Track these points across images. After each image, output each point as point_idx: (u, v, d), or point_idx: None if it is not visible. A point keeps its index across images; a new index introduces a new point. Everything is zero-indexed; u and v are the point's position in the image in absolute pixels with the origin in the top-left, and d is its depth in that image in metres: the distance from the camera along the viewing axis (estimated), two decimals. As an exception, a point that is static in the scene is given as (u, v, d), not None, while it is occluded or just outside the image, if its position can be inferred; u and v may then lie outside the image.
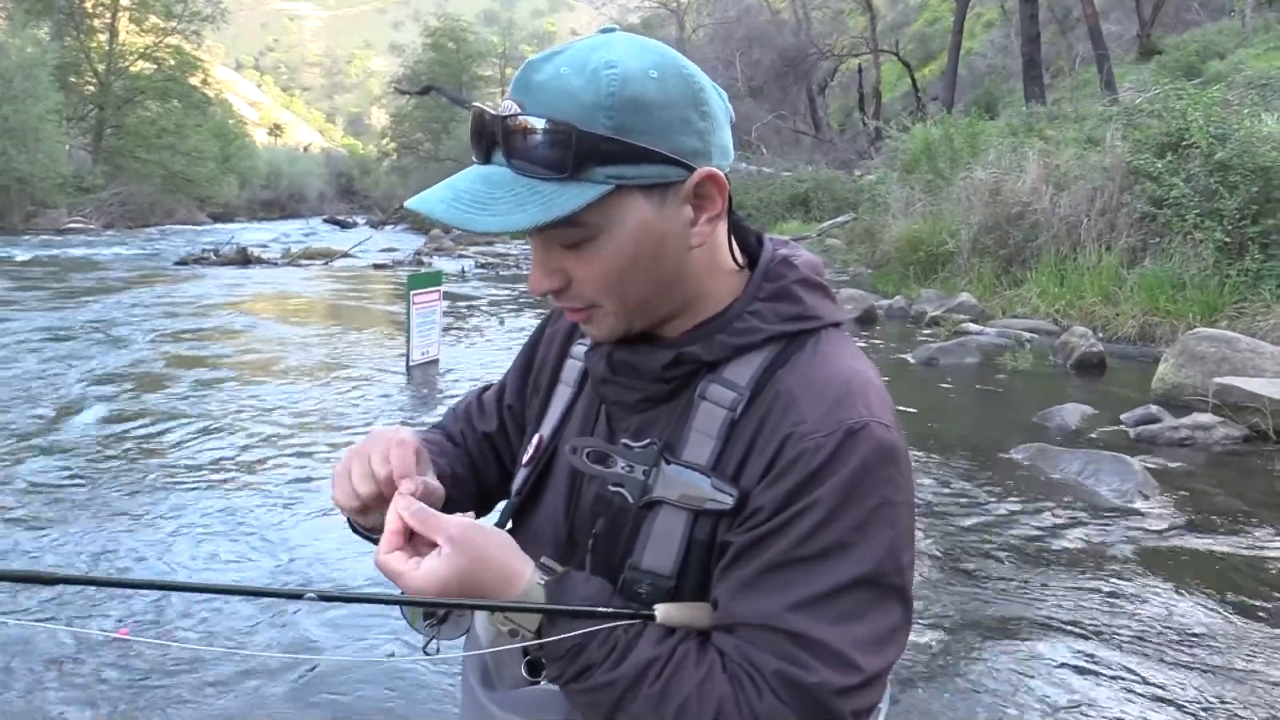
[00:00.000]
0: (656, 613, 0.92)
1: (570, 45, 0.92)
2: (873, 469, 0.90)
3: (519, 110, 0.89)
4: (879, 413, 0.93)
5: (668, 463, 0.96)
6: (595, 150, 0.87)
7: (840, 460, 0.89)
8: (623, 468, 0.98)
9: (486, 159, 0.92)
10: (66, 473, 5.42)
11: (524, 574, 0.92)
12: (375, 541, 0.96)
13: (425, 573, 0.88)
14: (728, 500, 0.92)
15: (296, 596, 0.91)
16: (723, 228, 0.99)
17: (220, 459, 5.73)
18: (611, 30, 0.96)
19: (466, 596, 0.89)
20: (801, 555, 0.88)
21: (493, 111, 0.91)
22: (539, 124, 0.87)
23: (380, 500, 0.99)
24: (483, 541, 0.91)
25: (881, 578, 0.89)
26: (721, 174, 0.94)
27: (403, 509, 0.91)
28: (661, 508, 0.96)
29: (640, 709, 0.88)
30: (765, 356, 0.98)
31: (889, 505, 0.90)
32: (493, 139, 0.91)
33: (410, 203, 0.95)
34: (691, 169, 0.92)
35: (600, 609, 0.90)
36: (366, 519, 1.03)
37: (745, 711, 0.87)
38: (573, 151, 0.87)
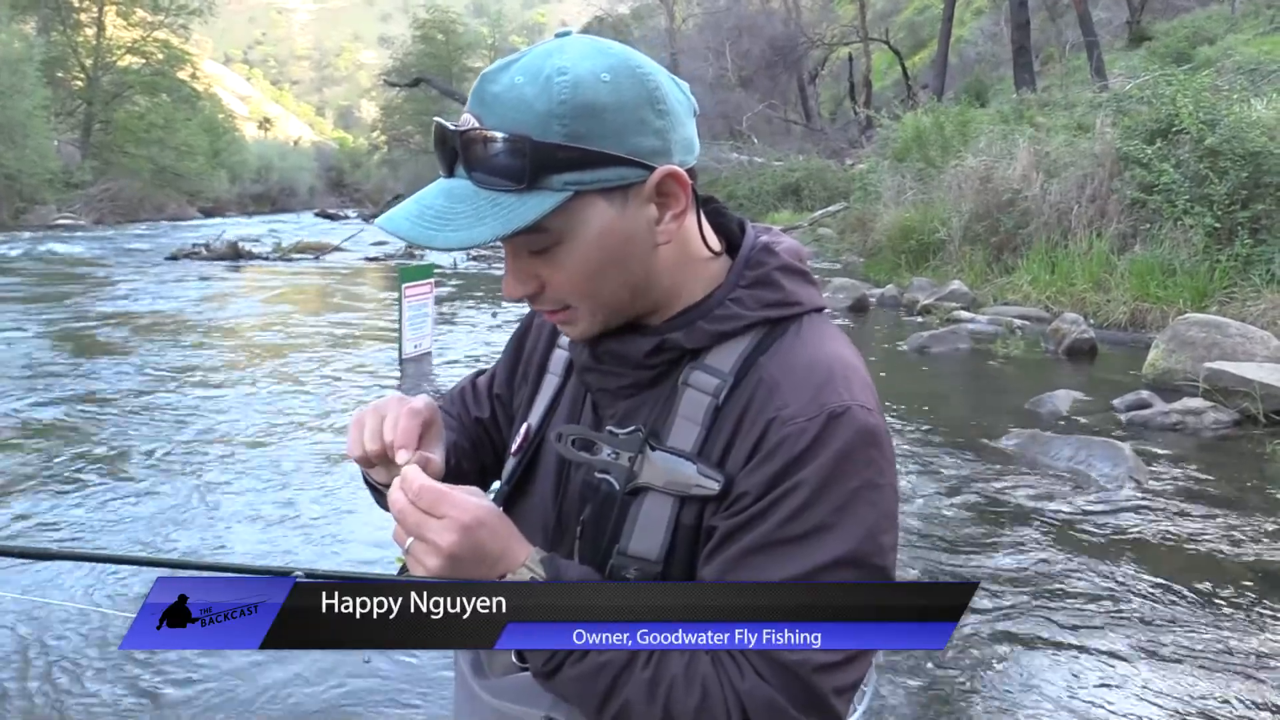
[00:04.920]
0: None
1: (526, 53, 0.93)
2: (855, 452, 0.91)
3: (476, 124, 0.90)
4: (861, 396, 0.94)
5: (653, 449, 0.97)
6: (551, 159, 0.88)
7: (823, 443, 0.90)
8: (608, 454, 0.99)
9: (450, 172, 0.94)
10: (61, 458, 5.45)
11: (519, 557, 0.93)
12: (381, 494, 1.01)
13: (426, 550, 0.90)
14: (714, 486, 0.93)
15: (285, 574, 0.91)
16: (692, 221, 0.99)
17: (210, 451, 5.73)
18: (566, 34, 0.96)
19: (465, 575, 0.90)
20: (784, 537, 0.89)
21: (452, 125, 0.92)
22: (495, 136, 0.89)
23: (385, 459, 1.02)
24: (487, 527, 0.92)
25: (863, 558, 0.90)
26: (683, 170, 0.94)
27: (410, 491, 0.92)
28: (648, 494, 0.97)
29: (633, 692, 0.89)
30: (748, 343, 0.99)
31: (871, 487, 0.91)
32: (454, 153, 0.92)
33: (378, 222, 0.97)
34: (651, 168, 0.92)
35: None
36: (374, 472, 1.08)
37: (728, 690, 0.88)
38: (528, 162, 0.88)
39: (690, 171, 0.96)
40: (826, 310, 1.06)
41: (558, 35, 0.96)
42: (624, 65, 0.92)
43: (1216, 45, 20.63)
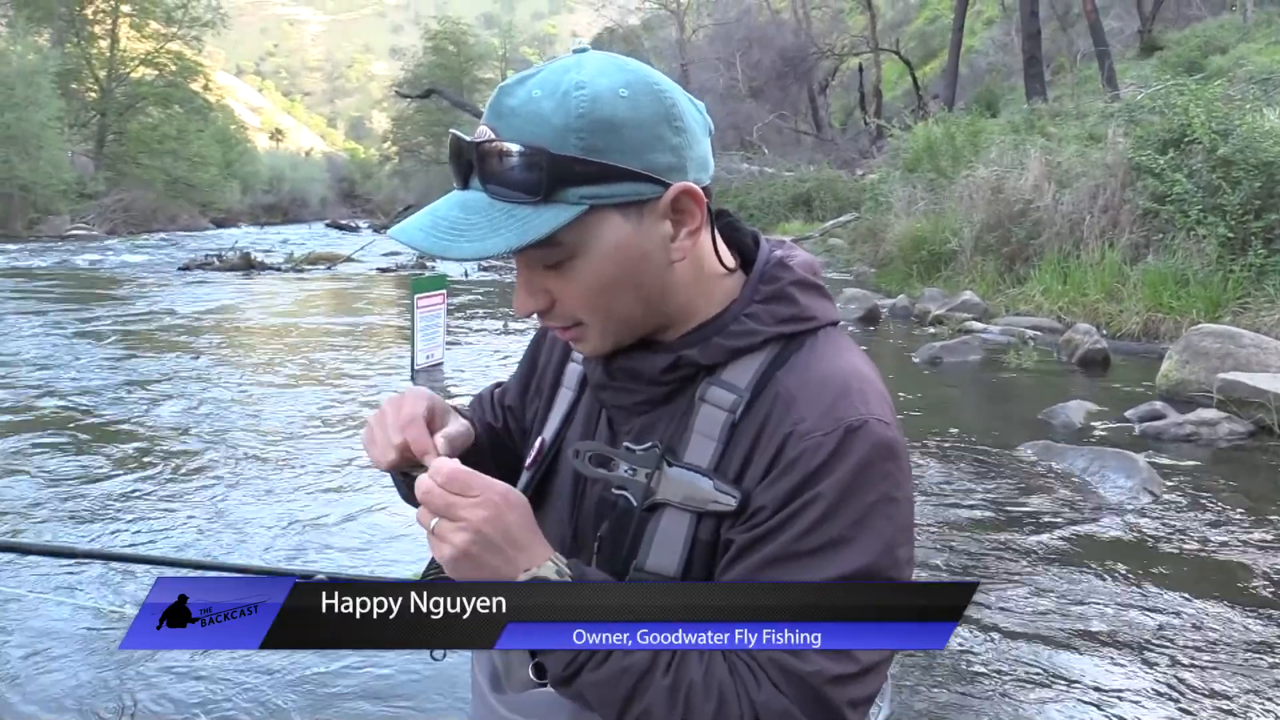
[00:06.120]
0: None
1: (543, 67, 0.94)
2: (872, 465, 0.91)
3: (493, 136, 0.91)
4: (878, 410, 0.94)
5: (670, 465, 0.97)
6: (567, 172, 0.88)
7: (840, 457, 0.90)
8: (625, 471, 0.99)
9: (465, 184, 0.94)
10: (84, 465, 5.50)
11: (544, 552, 0.92)
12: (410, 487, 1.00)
13: (453, 526, 0.89)
14: (731, 502, 0.93)
15: (306, 578, 0.91)
16: (706, 238, 0.99)
17: (226, 460, 5.75)
18: (584, 50, 0.96)
19: (490, 559, 0.90)
20: (800, 550, 0.89)
21: (468, 138, 0.93)
22: (511, 149, 0.89)
23: (408, 461, 1.02)
24: (517, 510, 0.92)
25: (879, 572, 0.89)
26: (698, 187, 0.94)
27: (439, 475, 0.92)
28: (665, 510, 0.97)
29: (654, 698, 0.88)
30: (764, 358, 0.99)
31: (888, 501, 0.91)
32: (469, 165, 0.92)
33: (391, 232, 0.97)
34: (666, 185, 0.92)
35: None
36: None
37: (744, 699, 0.87)
38: (545, 174, 0.88)
39: (705, 189, 0.96)
40: (841, 323, 1.05)
41: (575, 51, 0.96)
42: (642, 82, 0.92)
43: (1228, 55, 20.59)
